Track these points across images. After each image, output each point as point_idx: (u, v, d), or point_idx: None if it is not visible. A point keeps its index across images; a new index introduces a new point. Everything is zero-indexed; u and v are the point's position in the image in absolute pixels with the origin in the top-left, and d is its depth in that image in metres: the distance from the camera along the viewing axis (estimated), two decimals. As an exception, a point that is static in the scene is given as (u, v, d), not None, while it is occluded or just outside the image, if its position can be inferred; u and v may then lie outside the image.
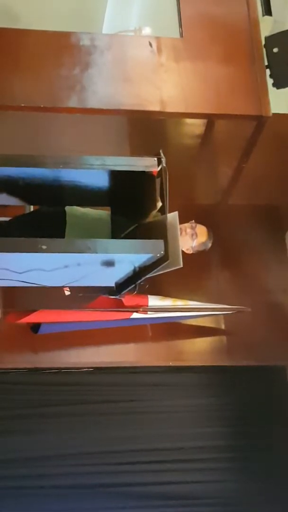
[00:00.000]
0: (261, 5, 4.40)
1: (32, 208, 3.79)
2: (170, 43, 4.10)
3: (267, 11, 4.50)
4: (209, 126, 4.95)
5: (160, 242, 2.76)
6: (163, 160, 2.89)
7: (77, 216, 3.54)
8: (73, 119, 4.15)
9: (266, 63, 4.21)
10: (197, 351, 4.84)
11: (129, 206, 3.18)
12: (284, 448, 4.66)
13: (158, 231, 2.84)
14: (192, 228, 3.88)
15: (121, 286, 3.21)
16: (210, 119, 4.71)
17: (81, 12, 5.04)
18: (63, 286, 3.55)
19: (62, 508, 4.33)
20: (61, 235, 3.46)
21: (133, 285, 3.10)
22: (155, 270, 2.91)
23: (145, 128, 4.62)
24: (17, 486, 4.30)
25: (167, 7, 4.25)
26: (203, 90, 4.06)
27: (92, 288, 3.39)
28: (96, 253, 2.72)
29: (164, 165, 2.88)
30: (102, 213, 3.58)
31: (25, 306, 4.23)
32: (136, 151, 4.58)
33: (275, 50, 4.24)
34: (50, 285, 3.18)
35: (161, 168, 2.89)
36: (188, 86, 4.04)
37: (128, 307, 4.21)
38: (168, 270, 3.05)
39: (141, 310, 4.26)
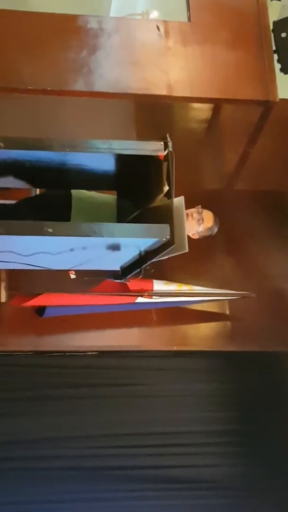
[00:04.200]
0: (270, -11, 4.38)
1: (38, 191, 3.79)
2: (178, 27, 4.08)
3: (276, -5, 4.48)
4: (216, 111, 4.94)
5: (166, 227, 2.76)
6: (170, 144, 2.88)
7: (83, 200, 3.54)
8: (80, 102, 4.14)
9: (274, 48, 4.20)
10: (201, 336, 4.84)
11: (135, 190, 3.18)
12: (286, 434, 4.68)
13: (164, 216, 2.84)
14: (199, 213, 3.88)
15: (127, 270, 3.22)
16: (217, 104, 4.71)
17: (88, -6, 5.02)
18: (69, 270, 3.56)
19: (64, 491, 4.35)
20: (67, 218, 3.46)
21: (139, 270, 3.11)
22: (161, 255, 2.91)
23: (152, 112, 4.61)
24: (19, 468, 4.31)
25: (175, -9, 4.24)
26: (210, 75, 4.05)
27: (97, 272, 3.40)
28: (102, 237, 2.72)
29: (171, 149, 2.88)
30: (108, 197, 3.57)
31: (31, 289, 4.23)
32: (143, 135, 4.57)
33: (283, 35, 4.23)
34: (55, 269, 3.19)
35: (167, 152, 2.88)
36: (195, 70, 4.03)
37: (133, 292, 4.21)
38: (174, 254, 3.06)
39: (146, 294, 4.26)
